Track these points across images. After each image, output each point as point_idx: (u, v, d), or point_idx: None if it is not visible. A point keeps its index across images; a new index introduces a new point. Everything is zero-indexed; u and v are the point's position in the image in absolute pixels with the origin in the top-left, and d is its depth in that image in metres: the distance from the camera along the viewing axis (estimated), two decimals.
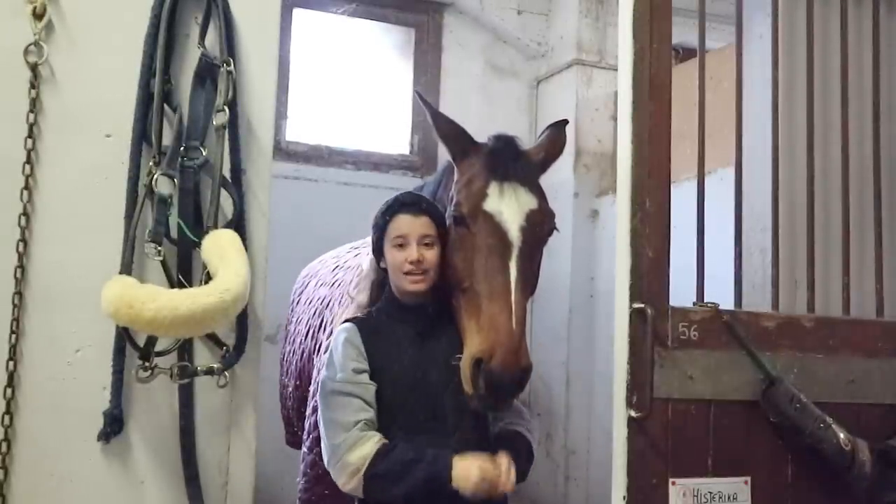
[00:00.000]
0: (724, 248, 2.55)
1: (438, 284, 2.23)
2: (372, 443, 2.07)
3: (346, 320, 2.32)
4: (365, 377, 2.15)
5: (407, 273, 2.17)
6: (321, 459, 2.71)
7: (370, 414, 2.12)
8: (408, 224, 2.19)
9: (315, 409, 2.77)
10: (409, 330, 2.21)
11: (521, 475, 2.10)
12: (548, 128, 2.50)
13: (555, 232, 2.30)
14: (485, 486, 2.02)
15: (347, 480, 2.08)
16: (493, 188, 2.23)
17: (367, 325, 2.24)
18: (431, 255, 2.19)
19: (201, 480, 2.04)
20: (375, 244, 2.28)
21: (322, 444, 2.18)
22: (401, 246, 2.18)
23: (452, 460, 2.04)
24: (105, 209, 2.04)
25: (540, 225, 2.24)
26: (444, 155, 5.50)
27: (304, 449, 2.84)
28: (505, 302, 2.09)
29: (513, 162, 2.30)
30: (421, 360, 2.18)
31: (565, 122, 2.50)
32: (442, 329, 2.22)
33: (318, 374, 2.83)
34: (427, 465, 2.04)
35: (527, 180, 2.27)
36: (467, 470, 2.03)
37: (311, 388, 2.88)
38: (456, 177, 2.36)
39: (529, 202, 2.24)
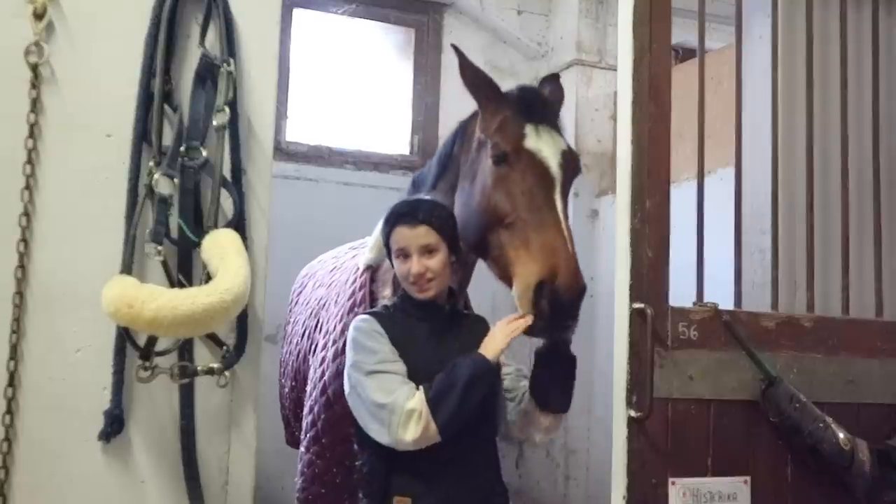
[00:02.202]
0: (724, 248, 2.56)
1: (452, 287, 2.28)
2: (420, 390, 2.09)
3: (364, 313, 2.33)
4: (397, 356, 2.16)
5: (412, 283, 2.19)
6: (318, 459, 2.72)
7: (411, 384, 2.12)
8: (406, 236, 2.20)
9: (311, 409, 2.77)
10: (424, 327, 2.22)
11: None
12: (545, 81, 2.58)
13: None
14: (515, 333, 2.09)
15: (414, 428, 2.05)
16: (529, 129, 2.32)
17: (384, 319, 2.24)
18: (434, 262, 2.19)
19: (201, 480, 2.04)
20: (387, 249, 2.28)
21: (366, 426, 2.14)
22: (404, 257, 2.20)
23: (477, 352, 2.11)
24: (105, 209, 2.04)
25: (573, 163, 2.33)
26: None
27: (301, 448, 2.84)
28: (558, 229, 2.17)
29: (543, 107, 2.42)
30: (437, 358, 2.18)
31: (557, 75, 2.59)
32: (457, 329, 2.24)
33: (314, 372, 2.84)
34: (463, 366, 2.08)
35: (556, 124, 2.40)
36: (492, 339, 2.11)
37: (307, 389, 2.88)
38: (482, 124, 2.42)
39: (562, 143, 2.35)
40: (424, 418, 2.05)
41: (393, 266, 2.29)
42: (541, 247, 2.15)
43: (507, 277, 2.25)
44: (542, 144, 2.30)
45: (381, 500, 2.16)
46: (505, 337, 2.10)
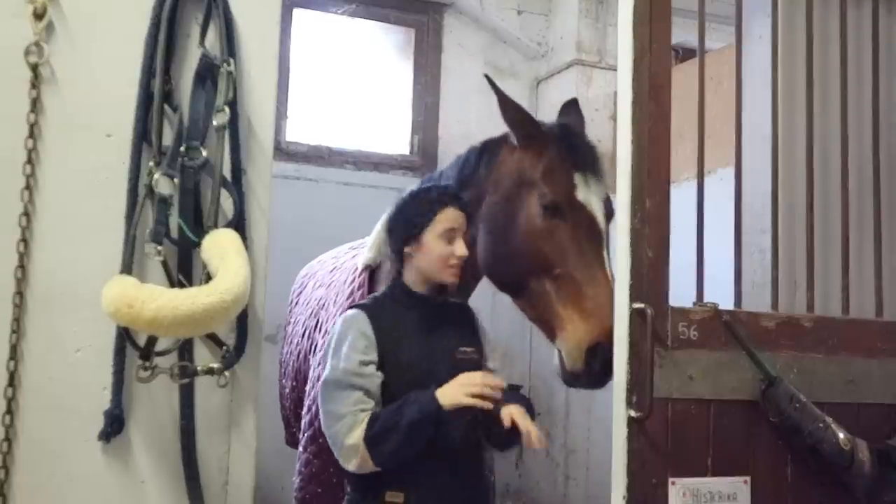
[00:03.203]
0: (724, 248, 2.56)
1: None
2: (364, 420, 2.09)
3: (353, 306, 2.33)
4: (371, 368, 2.16)
5: (451, 266, 2.19)
6: (315, 458, 2.73)
7: (369, 405, 2.12)
8: (456, 217, 2.23)
9: (310, 409, 2.77)
10: (415, 318, 2.22)
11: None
12: (567, 108, 2.55)
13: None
14: (475, 390, 2.04)
15: (354, 461, 2.10)
16: (578, 179, 2.37)
17: (375, 311, 2.24)
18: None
19: (201, 480, 2.04)
20: (408, 231, 2.25)
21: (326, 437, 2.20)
22: (449, 240, 2.19)
23: (434, 391, 2.08)
24: (105, 209, 2.04)
25: (611, 210, 2.39)
26: (444, 155, 5.50)
27: (300, 448, 2.85)
28: (608, 286, 2.22)
29: (587, 151, 2.46)
30: (428, 349, 2.19)
31: (576, 100, 2.57)
32: (444, 318, 2.24)
33: (313, 371, 2.84)
34: (413, 404, 2.07)
35: (599, 170, 2.44)
36: (451, 387, 2.07)
37: (307, 388, 2.88)
38: (525, 162, 2.42)
39: (604, 190, 2.40)
40: (361, 455, 2.08)
41: (403, 253, 2.26)
42: (594, 307, 2.17)
43: (547, 326, 2.26)
44: (591, 196, 2.33)
45: (373, 495, 2.16)
46: (468, 397, 2.07)
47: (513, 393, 2.25)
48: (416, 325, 2.22)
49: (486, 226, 2.52)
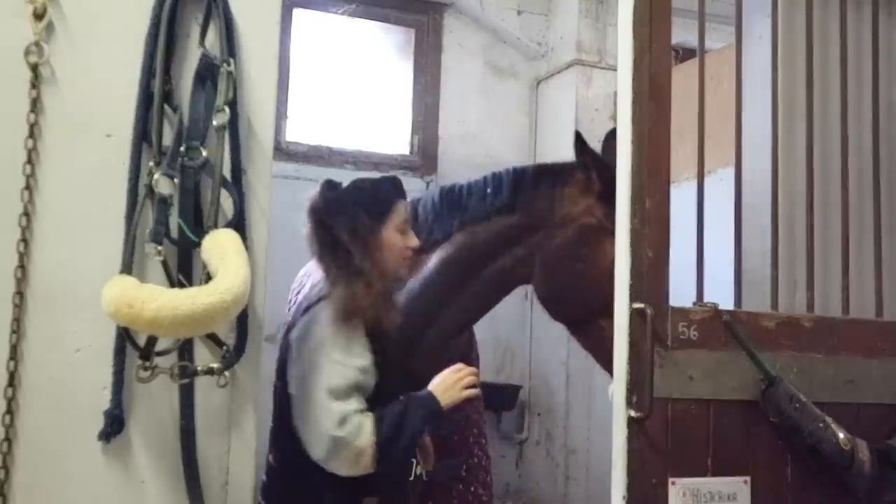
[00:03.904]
0: (724, 248, 2.55)
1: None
2: (368, 421, 2.08)
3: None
4: (369, 370, 2.15)
5: (407, 258, 2.18)
6: None
7: (361, 405, 2.11)
8: (406, 210, 2.21)
9: None
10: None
11: None
12: (610, 138, 2.67)
13: None
14: (468, 382, 2.04)
15: (356, 468, 2.09)
16: None
17: None
18: None
19: (201, 480, 2.04)
20: (373, 221, 2.24)
21: (302, 430, 2.17)
22: (402, 232, 2.19)
23: (428, 391, 2.10)
24: (105, 209, 2.04)
25: None
26: (444, 154, 5.48)
27: None
28: None
29: None
30: (412, 351, 2.18)
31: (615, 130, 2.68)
32: None
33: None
34: (417, 409, 2.08)
35: None
36: (444, 385, 2.08)
37: None
38: (601, 210, 2.55)
39: None
40: (370, 458, 2.08)
41: (357, 247, 2.24)
42: None
43: (607, 361, 2.30)
44: None
45: (349, 500, 2.15)
46: (462, 391, 2.07)
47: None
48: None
49: (554, 262, 2.64)
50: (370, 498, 2.12)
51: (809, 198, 2.66)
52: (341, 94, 5.23)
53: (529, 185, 2.74)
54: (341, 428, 2.10)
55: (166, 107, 2.07)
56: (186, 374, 2.01)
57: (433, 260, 2.65)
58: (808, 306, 2.60)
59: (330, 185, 2.34)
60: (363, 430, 2.08)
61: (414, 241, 2.18)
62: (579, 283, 2.39)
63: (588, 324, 2.50)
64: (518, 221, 2.72)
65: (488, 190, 2.75)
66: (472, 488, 2.68)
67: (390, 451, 2.05)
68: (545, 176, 2.78)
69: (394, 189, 2.26)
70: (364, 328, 2.20)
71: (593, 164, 2.65)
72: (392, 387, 2.16)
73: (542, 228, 2.73)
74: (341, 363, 2.16)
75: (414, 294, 2.58)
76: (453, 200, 2.75)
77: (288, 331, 2.36)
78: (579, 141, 2.70)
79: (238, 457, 2.11)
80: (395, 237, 2.19)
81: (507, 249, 2.76)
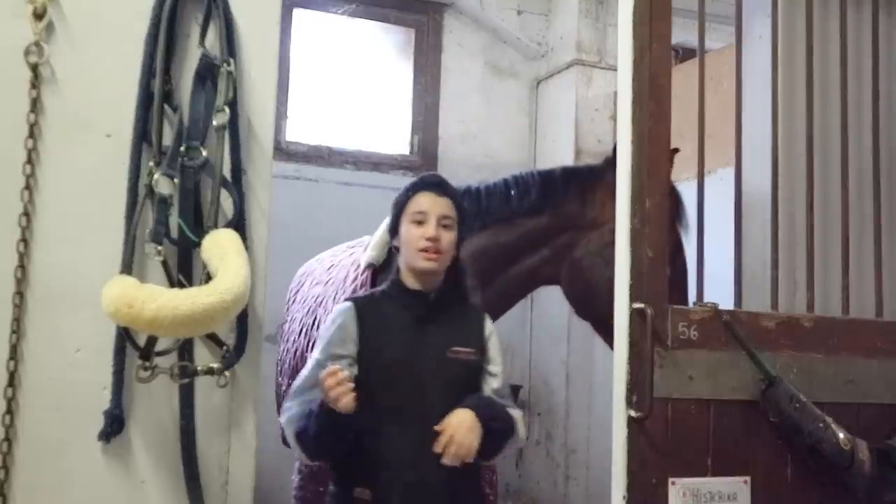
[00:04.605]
0: (724, 248, 2.56)
1: (448, 271, 2.25)
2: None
3: (347, 299, 2.33)
4: (344, 363, 2.12)
5: (422, 250, 2.16)
6: None
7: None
8: (429, 202, 2.19)
9: None
10: (407, 315, 2.20)
11: (493, 446, 2.11)
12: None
13: None
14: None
15: (294, 451, 2.14)
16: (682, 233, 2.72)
17: (366, 305, 2.23)
18: (449, 236, 2.19)
19: (201, 480, 2.04)
20: (393, 223, 2.27)
21: None
22: (419, 223, 2.18)
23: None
24: (105, 209, 2.04)
25: None
26: (444, 154, 5.48)
27: None
28: None
29: (684, 207, 2.80)
30: (415, 346, 2.16)
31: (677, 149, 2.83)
32: (442, 318, 2.22)
33: None
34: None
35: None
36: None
37: None
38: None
39: None
40: (297, 451, 2.13)
41: (392, 245, 2.26)
42: None
43: None
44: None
45: (345, 491, 2.15)
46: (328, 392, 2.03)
47: (485, 400, 2.19)
48: (406, 320, 2.19)
49: (584, 263, 2.74)
50: (362, 489, 2.12)
51: (809, 198, 2.66)
52: (341, 94, 5.23)
53: (559, 187, 2.81)
54: (283, 417, 2.18)
55: (166, 107, 2.07)
56: (186, 374, 2.01)
57: None
58: (808, 306, 2.60)
59: None
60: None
61: (429, 231, 2.15)
62: (608, 284, 2.41)
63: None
64: (547, 223, 2.81)
65: (512, 192, 2.80)
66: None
67: (303, 440, 2.09)
68: (574, 179, 2.85)
69: (420, 182, 2.25)
70: (355, 321, 2.23)
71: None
72: (386, 384, 2.17)
73: (570, 230, 2.82)
74: (319, 352, 2.20)
75: None
76: (472, 202, 2.77)
77: None
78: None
79: (238, 457, 2.11)
80: (410, 229, 2.18)
81: (533, 250, 2.82)
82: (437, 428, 2.04)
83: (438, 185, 2.24)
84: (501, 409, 2.19)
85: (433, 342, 2.17)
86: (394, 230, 2.28)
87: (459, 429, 2.02)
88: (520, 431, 2.22)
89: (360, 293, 2.72)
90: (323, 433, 2.03)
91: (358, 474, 2.12)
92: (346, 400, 1.95)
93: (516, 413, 2.24)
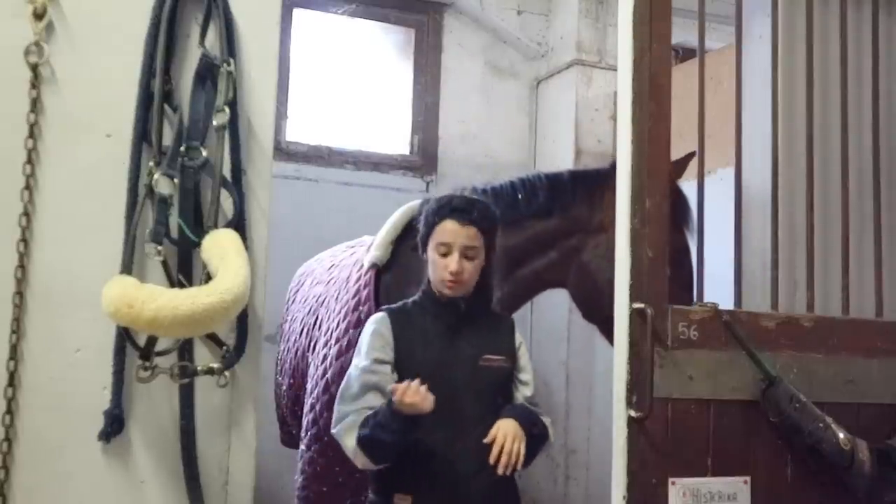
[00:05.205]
0: (724, 248, 2.56)
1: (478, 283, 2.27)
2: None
3: (380, 309, 2.34)
4: (387, 368, 2.15)
5: (444, 280, 2.18)
6: (320, 457, 2.73)
7: (377, 402, 2.11)
8: (453, 233, 2.18)
9: (313, 407, 2.77)
10: (440, 324, 2.22)
11: (532, 452, 2.15)
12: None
13: None
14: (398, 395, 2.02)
15: (360, 460, 2.11)
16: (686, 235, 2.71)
17: (399, 315, 2.24)
18: (471, 267, 2.20)
19: (201, 480, 2.04)
20: (422, 240, 2.27)
21: None
22: (444, 254, 2.18)
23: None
24: (105, 209, 2.04)
25: None
26: (444, 154, 5.48)
27: (302, 447, 2.84)
28: None
29: (690, 209, 2.72)
30: (447, 354, 2.18)
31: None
32: (473, 326, 2.23)
33: (314, 369, 2.84)
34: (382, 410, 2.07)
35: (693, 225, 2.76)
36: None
37: (308, 387, 2.88)
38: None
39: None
40: (359, 455, 2.10)
41: (425, 257, 2.25)
42: None
43: None
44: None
45: (384, 497, 2.16)
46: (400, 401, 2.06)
47: (522, 408, 2.23)
48: (439, 329, 2.21)
49: (592, 265, 2.75)
50: (402, 495, 2.13)
51: (809, 198, 2.66)
52: (341, 94, 5.23)
53: (567, 190, 2.81)
54: (338, 425, 2.15)
55: (166, 107, 2.08)
56: (186, 374, 2.01)
57: None
58: (808, 306, 2.60)
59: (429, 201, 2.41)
60: (354, 428, 2.11)
61: (451, 266, 2.16)
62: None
63: None
64: (554, 226, 2.82)
65: (519, 195, 2.79)
66: None
67: (373, 448, 2.07)
68: (582, 182, 2.84)
69: (448, 208, 2.23)
70: (390, 329, 2.23)
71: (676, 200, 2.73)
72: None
73: (578, 233, 2.82)
74: (363, 357, 2.20)
75: None
76: (497, 198, 2.77)
77: None
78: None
79: (238, 457, 2.11)
80: (436, 257, 2.20)
81: (541, 253, 2.82)
82: (486, 440, 2.09)
83: (465, 212, 2.22)
84: (537, 416, 2.24)
85: (466, 351, 2.19)
86: (423, 245, 2.27)
87: (508, 439, 2.09)
88: (551, 436, 2.29)
89: (369, 297, 2.71)
90: (398, 439, 2.05)
91: (397, 481, 2.13)
92: (429, 400, 2.01)
93: (547, 420, 2.29)
